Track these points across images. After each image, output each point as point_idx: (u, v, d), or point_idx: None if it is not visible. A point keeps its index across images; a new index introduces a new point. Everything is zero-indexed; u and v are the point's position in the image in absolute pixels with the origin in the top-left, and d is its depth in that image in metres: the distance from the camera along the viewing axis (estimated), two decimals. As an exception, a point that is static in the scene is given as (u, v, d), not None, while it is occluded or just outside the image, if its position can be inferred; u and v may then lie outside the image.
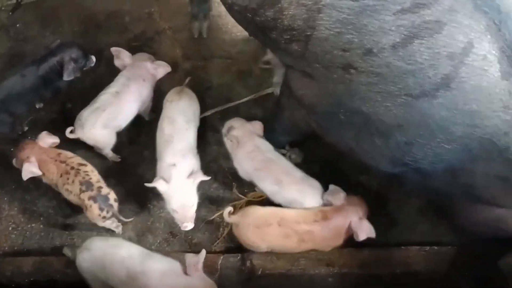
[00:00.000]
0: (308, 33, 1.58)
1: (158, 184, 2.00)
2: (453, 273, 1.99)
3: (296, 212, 2.05)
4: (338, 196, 2.06)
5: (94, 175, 2.04)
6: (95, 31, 2.81)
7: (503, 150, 1.51)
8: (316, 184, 2.14)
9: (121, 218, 2.05)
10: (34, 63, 2.27)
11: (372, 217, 2.06)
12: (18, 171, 2.13)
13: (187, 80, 2.45)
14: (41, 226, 2.19)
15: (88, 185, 1.99)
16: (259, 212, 2.05)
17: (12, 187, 2.31)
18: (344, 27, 1.49)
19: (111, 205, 1.99)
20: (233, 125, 2.26)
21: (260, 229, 1.99)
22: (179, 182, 2.02)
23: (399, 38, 1.44)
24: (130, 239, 2.17)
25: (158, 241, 2.21)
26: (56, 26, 2.81)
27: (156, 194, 2.14)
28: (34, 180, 2.21)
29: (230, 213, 2.05)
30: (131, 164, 2.39)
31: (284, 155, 2.32)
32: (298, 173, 2.16)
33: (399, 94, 1.51)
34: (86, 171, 2.04)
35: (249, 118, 2.50)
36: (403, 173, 1.74)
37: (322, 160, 2.40)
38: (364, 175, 2.34)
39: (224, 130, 2.29)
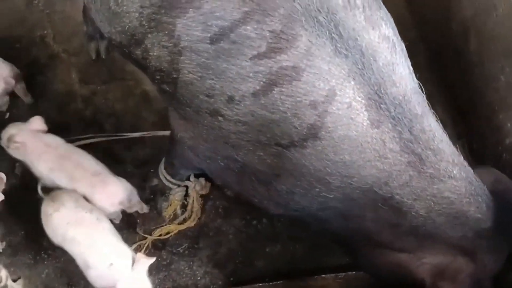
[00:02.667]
0: (175, 76, 1.45)
1: None
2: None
3: None
4: None
5: None
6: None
7: (387, 198, 1.41)
8: (111, 181, 2.01)
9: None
10: None
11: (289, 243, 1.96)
12: None
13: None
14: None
15: None
16: None
17: None
18: (204, 72, 1.38)
19: None
20: (11, 133, 2.06)
21: None
22: (129, 279, 1.78)
23: (259, 86, 1.32)
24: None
25: (55, 294, 2.02)
26: None
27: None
28: None
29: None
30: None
31: (187, 187, 2.18)
32: (93, 167, 2.03)
33: (269, 143, 1.41)
34: None
35: (156, 147, 2.36)
36: (296, 215, 1.62)
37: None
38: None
39: (4, 143, 2.08)
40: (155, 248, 2.13)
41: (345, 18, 1.30)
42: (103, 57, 2.61)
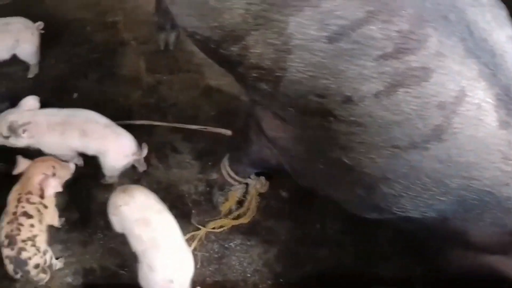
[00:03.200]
0: (278, 74, 1.42)
1: None
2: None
3: None
4: None
5: (27, 231, 1.80)
6: (53, 42, 2.62)
7: (502, 200, 1.38)
8: (122, 132, 2.07)
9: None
10: None
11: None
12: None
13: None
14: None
15: (11, 240, 1.78)
16: None
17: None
18: (318, 71, 1.34)
19: (27, 271, 1.79)
20: (12, 120, 2.03)
21: None
22: None
23: (382, 86, 1.29)
24: (76, 272, 2.02)
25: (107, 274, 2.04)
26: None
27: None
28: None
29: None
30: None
31: (248, 184, 2.18)
32: (103, 120, 2.08)
33: (384, 145, 1.36)
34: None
35: (216, 140, 2.37)
36: (386, 218, 1.59)
37: (290, 188, 2.25)
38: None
39: (4, 133, 2.04)
40: (207, 240, 2.13)
41: (475, 17, 1.28)
42: (171, 48, 2.66)
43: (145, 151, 2.11)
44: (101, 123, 2.06)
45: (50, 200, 1.92)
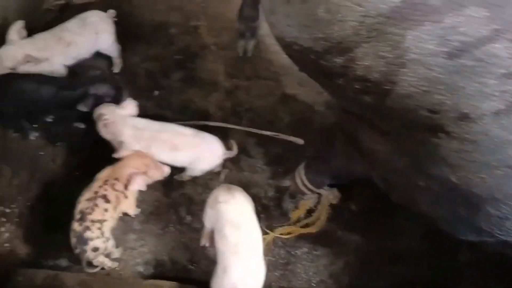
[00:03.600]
0: (387, 88, 1.39)
1: None
2: None
3: None
4: None
5: (99, 213, 1.87)
6: (139, 41, 2.74)
7: None
8: (209, 137, 2.15)
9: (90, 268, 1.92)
10: (59, 85, 2.21)
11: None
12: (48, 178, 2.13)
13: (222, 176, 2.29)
14: (60, 240, 2.07)
15: (82, 216, 1.86)
16: None
17: (38, 192, 2.23)
18: (433, 86, 1.31)
19: (84, 250, 1.85)
20: (102, 112, 2.13)
21: None
22: None
23: (504, 105, 1.25)
24: (147, 263, 2.08)
25: (177, 267, 2.08)
26: (102, 32, 2.76)
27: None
28: (62, 190, 2.16)
29: None
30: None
31: (320, 195, 2.19)
32: (189, 131, 2.15)
33: (497, 165, 1.32)
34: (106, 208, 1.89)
35: (288, 148, 2.40)
36: (482, 241, 1.55)
37: (359, 201, 2.25)
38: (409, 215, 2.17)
39: (95, 117, 2.15)
40: (275, 245, 2.15)
41: None
42: (249, 55, 2.72)
43: (235, 149, 2.20)
44: (188, 135, 2.13)
45: (132, 192, 1.99)
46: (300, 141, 2.44)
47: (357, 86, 1.46)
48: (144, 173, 1.97)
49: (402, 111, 1.39)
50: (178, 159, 2.13)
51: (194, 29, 2.80)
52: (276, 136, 2.45)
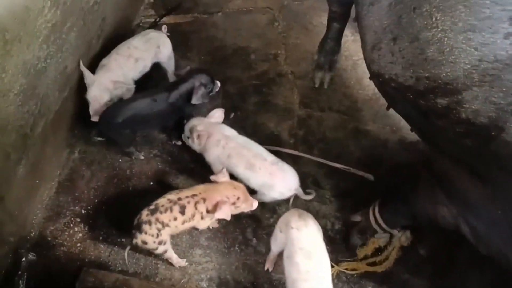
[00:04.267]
0: (493, 133, 1.37)
1: None
2: None
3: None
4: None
5: (167, 218, 1.92)
6: (220, 63, 2.84)
7: None
8: (288, 168, 2.15)
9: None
10: (166, 89, 2.31)
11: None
12: (125, 184, 2.19)
13: (291, 201, 2.24)
14: (131, 244, 2.15)
15: (154, 210, 1.92)
16: None
17: (113, 197, 2.31)
18: None
19: (136, 237, 1.91)
20: (194, 124, 2.23)
21: None
22: None
23: None
24: (211, 279, 2.09)
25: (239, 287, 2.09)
26: (186, 51, 2.88)
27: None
28: (136, 197, 2.23)
29: None
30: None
31: (392, 235, 2.15)
32: (270, 157, 2.16)
33: None
34: (175, 218, 1.93)
35: (357, 182, 2.39)
36: None
37: (429, 246, 2.19)
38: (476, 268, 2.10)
39: (186, 133, 2.26)
40: (338, 279, 2.12)
41: None
42: (325, 86, 2.76)
43: (312, 195, 2.21)
44: (268, 160, 2.15)
45: (211, 216, 2.00)
46: (371, 177, 2.43)
47: (459, 129, 1.44)
48: (233, 204, 1.99)
49: (507, 158, 1.36)
50: (251, 180, 2.15)
51: (274, 56, 2.87)
52: (347, 170, 2.46)
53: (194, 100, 2.29)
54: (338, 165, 2.47)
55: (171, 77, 2.69)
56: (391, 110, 1.98)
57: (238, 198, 1.98)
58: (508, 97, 1.31)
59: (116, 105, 2.31)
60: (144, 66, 2.51)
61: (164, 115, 2.33)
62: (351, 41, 2.88)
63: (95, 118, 2.30)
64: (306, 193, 2.21)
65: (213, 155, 2.21)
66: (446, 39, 1.42)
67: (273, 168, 2.13)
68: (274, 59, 2.87)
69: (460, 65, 1.39)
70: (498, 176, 1.44)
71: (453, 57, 1.40)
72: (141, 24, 2.95)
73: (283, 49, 2.91)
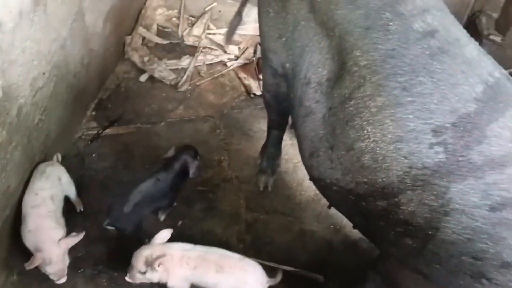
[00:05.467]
0: (430, 233, 1.50)
1: None
2: None
3: None
4: None
5: None
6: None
7: None
8: (255, 263, 2.21)
9: None
10: (164, 169, 2.44)
11: None
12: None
13: None
14: None
15: None
16: None
17: None
18: (476, 235, 1.41)
19: None
20: (148, 253, 2.09)
21: None
22: None
23: None
24: None
25: None
26: (129, 161, 2.89)
27: None
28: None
29: None
30: None
31: None
32: (235, 255, 2.22)
33: None
34: None
35: (309, 284, 2.43)
36: None
37: None
38: None
39: (141, 269, 2.08)
40: None
41: None
42: (269, 190, 2.85)
43: (279, 277, 2.22)
44: (236, 258, 2.19)
45: None
46: (321, 278, 2.47)
47: (399, 229, 1.56)
48: None
49: (445, 256, 1.48)
50: (223, 283, 2.14)
51: (217, 162, 2.96)
52: (297, 272, 2.49)
53: (192, 174, 2.48)
54: (289, 268, 2.50)
55: (77, 202, 2.59)
56: (333, 209, 2.10)
57: None
58: (439, 200, 1.46)
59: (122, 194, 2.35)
60: (60, 201, 2.41)
61: (165, 194, 2.45)
62: (289, 145, 3.04)
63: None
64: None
65: (179, 277, 2.14)
66: (378, 149, 1.59)
67: (242, 264, 2.17)
68: (218, 165, 2.95)
69: (393, 172, 1.55)
70: (439, 274, 1.55)
71: (386, 164, 1.56)
72: (83, 137, 2.96)
73: (226, 155, 3.01)
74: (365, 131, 1.62)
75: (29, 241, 2.14)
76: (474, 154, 1.43)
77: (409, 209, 1.52)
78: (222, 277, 2.12)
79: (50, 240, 2.12)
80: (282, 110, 2.51)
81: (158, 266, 2.06)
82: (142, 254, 2.10)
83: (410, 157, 1.52)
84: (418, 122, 1.52)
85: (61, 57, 2.43)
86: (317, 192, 2.85)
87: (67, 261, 2.19)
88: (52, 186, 2.38)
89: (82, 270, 2.38)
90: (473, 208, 1.41)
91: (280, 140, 2.82)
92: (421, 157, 1.50)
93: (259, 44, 3.66)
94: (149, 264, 2.07)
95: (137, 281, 2.13)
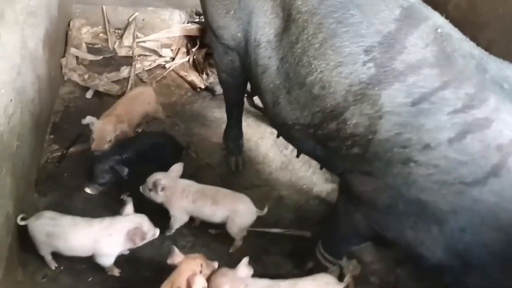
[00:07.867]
0: (370, 137, 1.82)
1: None
2: None
3: None
4: None
5: None
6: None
7: None
8: (243, 195, 2.57)
9: None
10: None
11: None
12: None
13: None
14: None
15: None
16: None
17: None
18: (402, 128, 1.74)
19: None
20: (158, 178, 2.48)
21: None
22: None
23: (454, 134, 1.67)
24: None
25: None
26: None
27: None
28: None
29: None
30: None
31: (342, 267, 2.46)
32: (227, 190, 2.59)
33: (453, 182, 1.69)
34: None
35: (299, 241, 2.70)
36: (451, 269, 1.85)
37: (379, 274, 2.56)
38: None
39: (150, 187, 2.49)
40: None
41: None
42: (240, 168, 3.08)
43: (265, 210, 2.53)
44: (228, 191, 2.57)
45: None
46: (308, 234, 2.75)
47: (348, 143, 1.88)
48: (200, 272, 2.11)
49: (382, 152, 1.80)
50: (218, 214, 2.50)
51: (186, 155, 3.11)
52: (286, 232, 2.75)
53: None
54: (277, 230, 2.75)
55: None
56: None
57: (202, 265, 2.14)
58: (374, 107, 1.79)
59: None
60: None
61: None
62: (246, 125, 3.26)
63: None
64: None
65: (179, 208, 2.52)
66: (324, 77, 1.92)
67: (234, 195, 2.54)
68: (188, 157, 3.10)
69: (338, 94, 1.87)
70: (379, 169, 1.86)
71: (331, 89, 1.89)
72: (49, 160, 2.98)
73: (192, 146, 3.18)
74: (313, 65, 1.95)
75: None
76: (397, 63, 1.77)
77: (353, 121, 1.84)
78: (217, 208, 2.48)
79: None
80: (239, 87, 2.75)
81: (161, 190, 2.46)
82: (155, 176, 2.50)
83: (349, 77, 1.85)
84: (353, 46, 1.86)
85: (20, 83, 2.46)
86: (283, 160, 3.18)
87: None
88: None
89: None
90: (400, 107, 1.74)
91: (239, 120, 3.06)
92: (357, 75, 1.84)
93: (190, 43, 3.88)
94: (155, 186, 2.46)
95: (146, 195, 2.53)
